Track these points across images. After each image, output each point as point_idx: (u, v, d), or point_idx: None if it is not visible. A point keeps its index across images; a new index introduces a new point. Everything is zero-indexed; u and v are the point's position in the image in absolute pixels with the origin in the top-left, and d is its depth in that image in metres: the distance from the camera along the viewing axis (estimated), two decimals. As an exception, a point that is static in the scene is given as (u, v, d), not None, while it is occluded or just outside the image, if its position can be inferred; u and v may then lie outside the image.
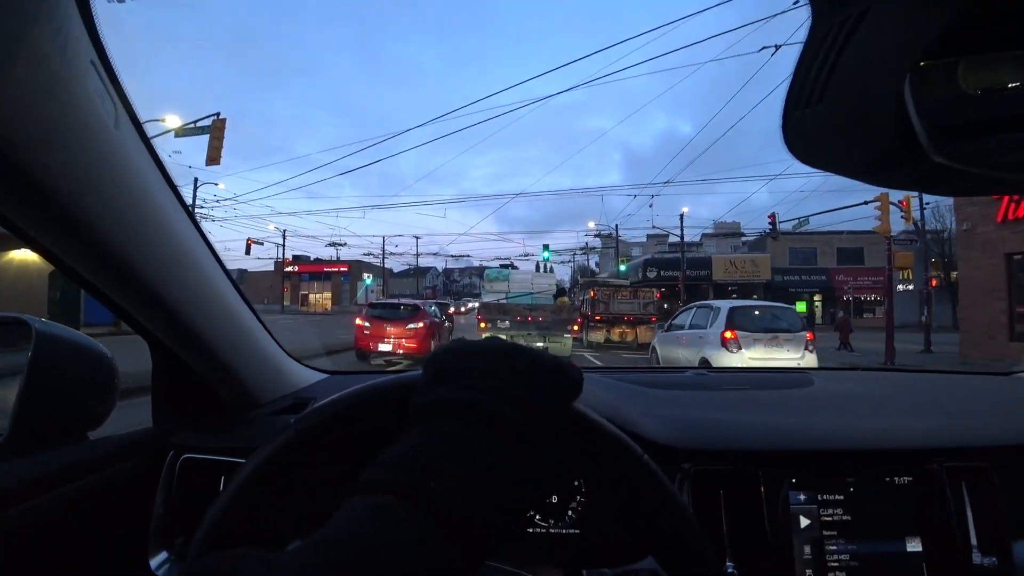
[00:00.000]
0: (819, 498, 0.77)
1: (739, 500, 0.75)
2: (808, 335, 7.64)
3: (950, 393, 1.11)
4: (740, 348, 7.33)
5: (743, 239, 39.21)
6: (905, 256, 17.13)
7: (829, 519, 0.76)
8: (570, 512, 0.79)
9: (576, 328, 11.68)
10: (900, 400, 1.03)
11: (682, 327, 8.87)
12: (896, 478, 0.78)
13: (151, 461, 0.87)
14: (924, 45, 0.38)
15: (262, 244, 31.68)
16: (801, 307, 26.52)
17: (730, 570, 0.71)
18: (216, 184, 24.05)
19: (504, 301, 11.81)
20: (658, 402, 0.93)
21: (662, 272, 31.62)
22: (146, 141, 0.66)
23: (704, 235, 40.22)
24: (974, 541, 0.75)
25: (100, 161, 0.55)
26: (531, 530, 0.81)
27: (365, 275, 44.82)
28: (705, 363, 7.27)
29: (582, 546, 0.78)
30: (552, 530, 0.80)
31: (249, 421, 0.95)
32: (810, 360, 7.38)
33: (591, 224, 33.71)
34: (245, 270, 44.18)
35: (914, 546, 0.76)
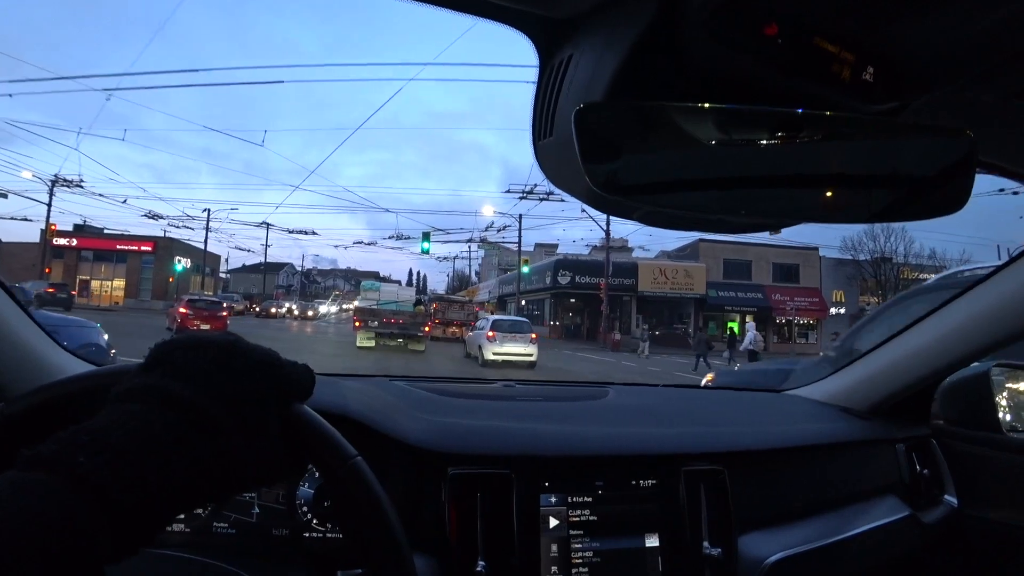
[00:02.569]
0: (569, 500, 0.83)
1: (494, 502, 0.79)
2: (533, 335, 13.71)
3: (718, 407, 1.27)
4: (496, 341, 12.91)
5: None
6: None
7: (577, 519, 0.83)
8: None
9: (428, 329, 15.69)
10: (668, 411, 1.15)
11: (475, 329, 14.97)
12: (641, 481, 0.87)
13: None
14: (602, 89, 0.46)
15: (5, 197, 21.02)
16: (733, 326, 24.06)
17: (480, 568, 0.75)
18: None
19: (375, 307, 14.90)
20: (444, 409, 0.97)
21: (577, 277, 25.62)
22: None
23: (592, 248, 31.64)
24: (705, 535, 0.85)
25: None
26: (307, 535, 0.81)
27: (179, 259, 33.00)
28: (480, 350, 13.19)
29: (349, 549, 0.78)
30: (329, 535, 0.81)
31: None
32: (533, 349, 13.26)
33: (490, 211, 25.99)
34: (-5, 238, 31.80)
35: (652, 541, 0.85)
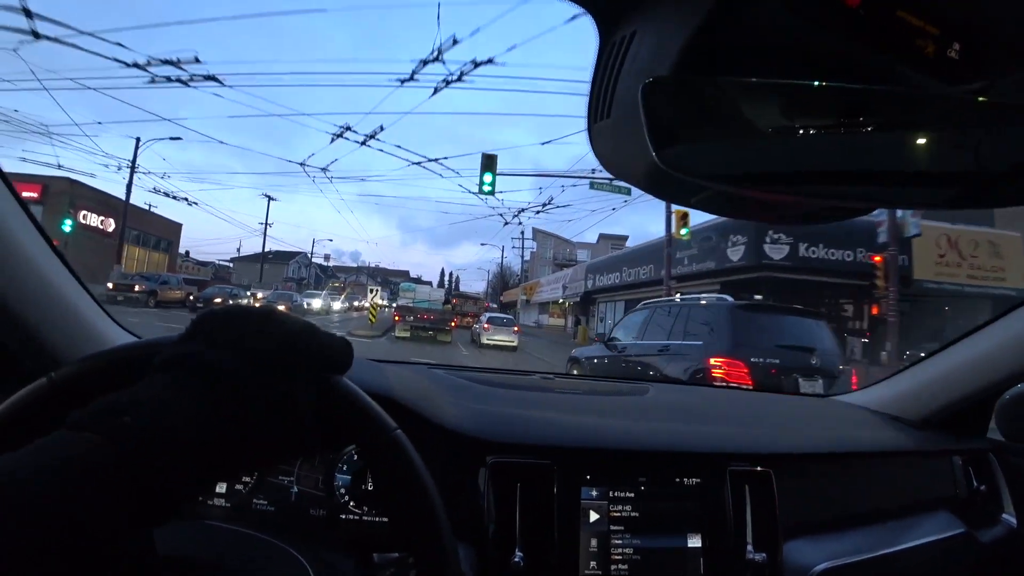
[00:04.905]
0: (610, 495, 0.81)
1: (534, 493, 0.78)
2: (516, 328, 18.24)
3: (764, 409, 1.23)
4: (490, 332, 17.33)
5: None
6: None
7: (618, 515, 0.81)
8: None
9: (454, 324, 19.34)
10: (712, 410, 1.13)
11: (478, 322, 19.24)
12: (685, 479, 0.85)
13: None
14: (667, 66, 0.44)
15: None
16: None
17: (517, 559, 0.74)
18: None
19: (411, 304, 18.15)
20: (484, 397, 0.96)
21: (805, 248, 12.80)
22: None
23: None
24: (750, 538, 0.83)
25: None
26: (344, 516, 0.82)
27: (82, 213, 22.30)
28: (479, 337, 17.69)
29: (388, 532, 0.78)
30: (366, 517, 0.81)
31: None
32: (515, 338, 17.58)
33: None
34: None
35: (694, 542, 0.82)
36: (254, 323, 0.44)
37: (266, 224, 32.30)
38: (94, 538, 0.31)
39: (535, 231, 37.35)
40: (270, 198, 31.28)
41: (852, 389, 6.10)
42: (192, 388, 0.38)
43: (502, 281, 46.64)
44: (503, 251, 40.46)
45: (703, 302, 5.68)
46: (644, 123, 0.40)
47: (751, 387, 4.46)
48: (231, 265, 48.17)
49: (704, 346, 4.98)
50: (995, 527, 1.09)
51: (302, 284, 44.97)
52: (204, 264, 40.77)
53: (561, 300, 28.57)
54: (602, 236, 35.34)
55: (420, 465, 0.45)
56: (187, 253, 40.02)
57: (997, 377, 1.07)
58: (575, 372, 7.08)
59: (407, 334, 17.33)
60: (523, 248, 36.83)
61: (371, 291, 18.07)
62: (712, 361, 4.68)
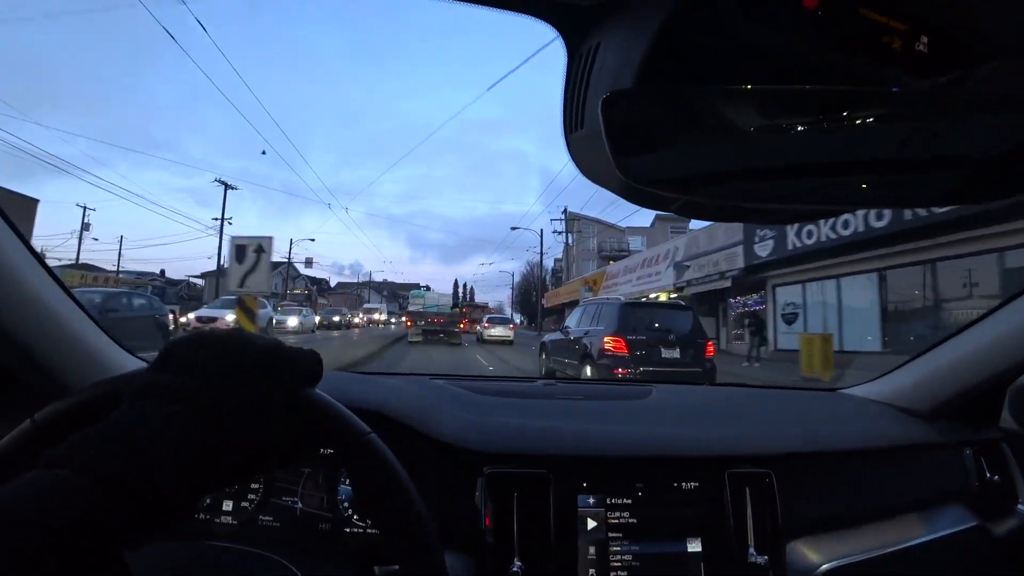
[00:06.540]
0: (608, 502, 0.81)
1: (531, 502, 0.78)
2: (511, 326, 22.91)
3: (766, 407, 1.21)
4: (490, 329, 21.33)
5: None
6: None
7: (616, 522, 0.81)
8: None
9: (463, 325, 21.54)
10: (712, 411, 1.11)
11: (481, 323, 22.93)
12: (683, 483, 0.84)
13: None
14: (631, 76, 0.44)
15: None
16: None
17: (515, 568, 0.74)
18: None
19: (422, 310, 19.61)
20: (482, 408, 0.96)
21: None
22: None
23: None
24: (751, 541, 0.82)
25: None
26: (348, 530, 0.82)
27: None
28: (481, 335, 21.92)
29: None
30: (369, 531, 0.82)
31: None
32: (511, 333, 21.50)
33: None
34: None
35: (694, 546, 0.82)
36: (220, 346, 0.45)
37: (222, 220, 23.58)
38: (64, 568, 0.32)
39: (572, 216, 29.63)
40: (227, 186, 23.01)
41: (708, 355, 7.59)
42: (160, 415, 0.39)
43: (540, 278, 38.55)
44: (541, 234, 32.77)
45: (607, 302, 8.83)
46: (605, 137, 0.40)
47: (626, 355, 7.29)
48: (201, 282, 37.35)
49: (604, 329, 7.80)
50: (1010, 519, 1.06)
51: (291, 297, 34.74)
52: (175, 282, 35.35)
53: (669, 291, 16.67)
54: (659, 217, 28.84)
55: (398, 468, 0.45)
56: (162, 271, 36.02)
57: (1008, 364, 1.05)
58: (543, 356, 10.11)
59: (419, 339, 18.47)
60: (567, 235, 28.53)
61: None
62: (606, 339, 7.50)
